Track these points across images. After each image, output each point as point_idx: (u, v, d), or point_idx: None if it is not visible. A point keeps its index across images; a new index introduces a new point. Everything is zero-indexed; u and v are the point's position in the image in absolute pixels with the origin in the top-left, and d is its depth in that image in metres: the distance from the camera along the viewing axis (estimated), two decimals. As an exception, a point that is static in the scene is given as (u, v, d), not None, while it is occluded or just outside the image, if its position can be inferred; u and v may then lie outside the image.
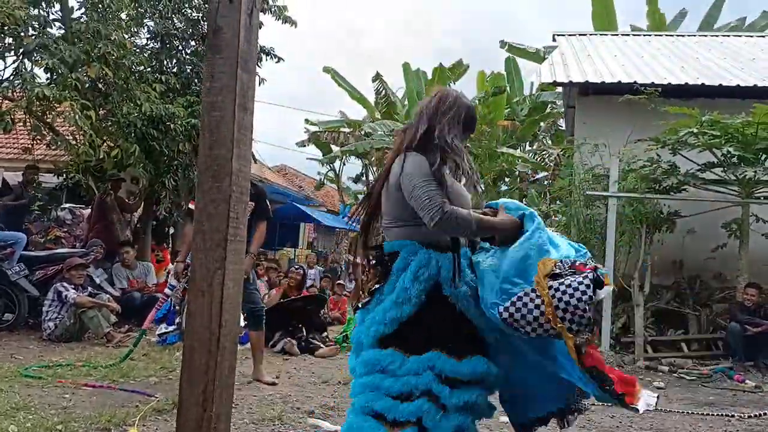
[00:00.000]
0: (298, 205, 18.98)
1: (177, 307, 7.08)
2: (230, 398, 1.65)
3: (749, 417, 4.85)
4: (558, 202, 10.51)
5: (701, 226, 8.39)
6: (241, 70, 1.61)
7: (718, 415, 4.88)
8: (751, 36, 13.97)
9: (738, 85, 9.03)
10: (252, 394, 4.78)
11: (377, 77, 19.93)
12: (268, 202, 5.36)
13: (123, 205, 9.41)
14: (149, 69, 8.65)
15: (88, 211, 9.21)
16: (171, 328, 6.96)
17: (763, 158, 7.67)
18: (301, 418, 4.13)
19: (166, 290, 6.45)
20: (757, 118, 7.28)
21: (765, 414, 4.88)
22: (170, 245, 10.84)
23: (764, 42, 12.93)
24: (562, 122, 15.15)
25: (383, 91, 19.87)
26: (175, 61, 9.04)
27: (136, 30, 8.59)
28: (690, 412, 4.96)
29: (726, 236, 8.17)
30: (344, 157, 21.46)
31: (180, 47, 9.08)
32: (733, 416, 4.87)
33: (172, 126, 7.84)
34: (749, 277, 7.88)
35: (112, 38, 7.20)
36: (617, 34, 14.09)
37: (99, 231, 8.58)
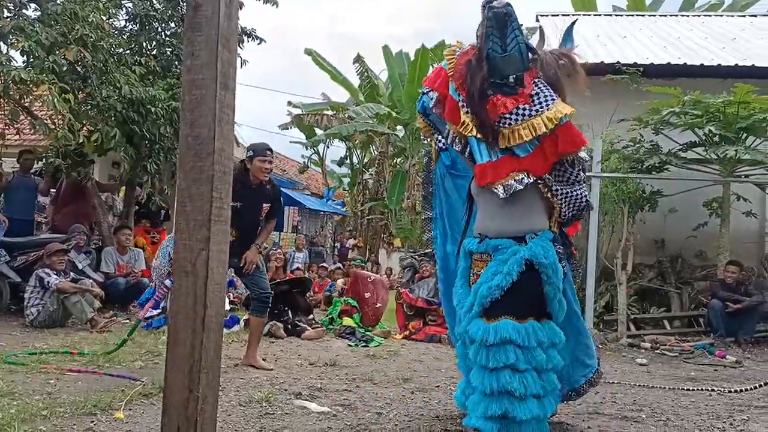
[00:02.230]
0: (282, 189, 18.88)
1: (160, 290, 7.03)
2: (217, 379, 1.64)
3: (729, 392, 4.94)
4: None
5: (683, 205, 8.48)
6: (222, 48, 1.58)
7: (699, 389, 4.95)
8: (732, 15, 14.05)
9: (719, 65, 9.09)
10: (239, 376, 4.78)
11: (358, 59, 19.79)
12: (282, 201, 5.58)
13: (102, 186, 9.31)
14: (128, 51, 8.50)
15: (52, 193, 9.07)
16: (156, 312, 6.92)
17: (743, 137, 7.74)
18: (288, 399, 4.14)
19: (167, 282, 6.49)
20: (738, 97, 7.34)
21: (746, 389, 4.96)
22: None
23: (744, 21, 12.99)
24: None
25: (366, 74, 19.74)
26: (154, 43, 8.88)
27: (114, 11, 8.41)
28: (672, 387, 5.03)
29: (707, 215, 8.28)
30: (328, 140, 21.36)
31: (160, 29, 8.92)
32: (713, 390, 4.95)
33: (153, 109, 7.72)
34: (730, 255, 8.00)
35: (90, 20, 7.05)
36: (599, 15, 14.10)
37: (68, 214, 8.48)
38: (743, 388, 4.99)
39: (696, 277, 8.69)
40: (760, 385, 4.96)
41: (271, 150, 5.20)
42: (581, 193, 3.15)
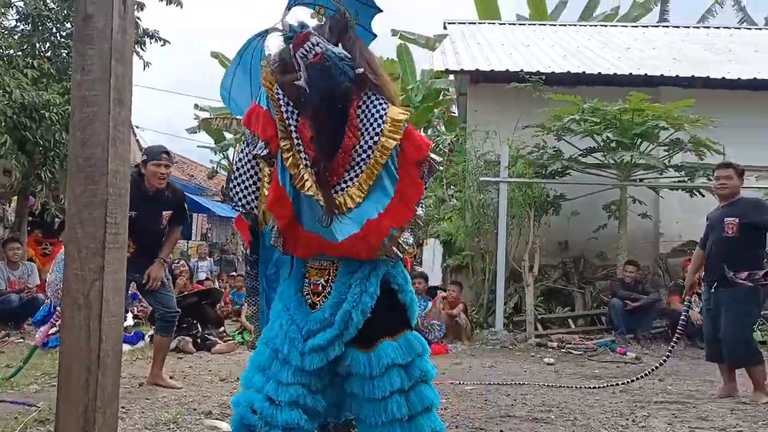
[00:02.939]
0: (190, 196, 18.26)
1: (58, 308, 6.65)
2: (115, 417, 1.52)
3: (625, 383, 5.19)
4: (453, 187, 10.73)
5: (584, 208, 8.85)
6: (116, 62, 1.47)
7: (603, 387, 5.16)
8: (626, 26, 14.84)
9: (615, 74, 9.56)
10: (144, 396, 4.55)
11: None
12: (186, 207, 5.14)
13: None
14: (20, 53, 8.00)
15: None
16: (53, 330, 6.51)
17: (638, 143, 8.18)
18: (198, 419, 3.97)
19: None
20: (633, 105, 7.75)
21: (640, 377, 5.22)
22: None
23: (637, 32, 13.76)
24: (455, 109, 15.46)
25: (275, 77, 19.46)
26: (48, 44, 8.40)
27: (3, 11, 7.90)
28: (578, 386, 5.21)
29: (606, 217, 8.68)
30: (238, 144, 20.89)
31: (54, 30, 8.45)
32: (616, 385, 5.18)
33: (47, 114, 7.29)
34: (627, 255, 8.42)
35: (-25, 19, 6.59)
36: (504, 23, 14.53)
37: None
38: (639, 376, 5.25)
39: (597, 276, 9.10)
40: (647, 373, 5.24)
41: (168, 153, 4.83)
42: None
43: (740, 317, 4.72)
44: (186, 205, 5.17)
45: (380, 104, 2.42)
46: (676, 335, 5.30)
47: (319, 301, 2.57)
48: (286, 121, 2.39)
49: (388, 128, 2.39)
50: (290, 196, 2.40)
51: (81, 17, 1.47)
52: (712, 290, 4.91)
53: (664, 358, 5.31)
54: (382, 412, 2.45)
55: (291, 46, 2.29)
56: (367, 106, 2.43)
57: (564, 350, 7.24)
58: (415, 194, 2.49)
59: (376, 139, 2.38)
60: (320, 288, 2.57)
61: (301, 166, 2.34)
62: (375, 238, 2.42)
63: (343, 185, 2.41)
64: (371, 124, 2.40)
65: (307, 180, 2.32)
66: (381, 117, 2.40)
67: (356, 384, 2.51)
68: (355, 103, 2.43)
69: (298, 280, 2.63)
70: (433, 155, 2.50)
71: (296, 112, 2.39)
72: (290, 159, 2.35)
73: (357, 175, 2.41)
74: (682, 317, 5.30)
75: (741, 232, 4.79)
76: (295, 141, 2.34)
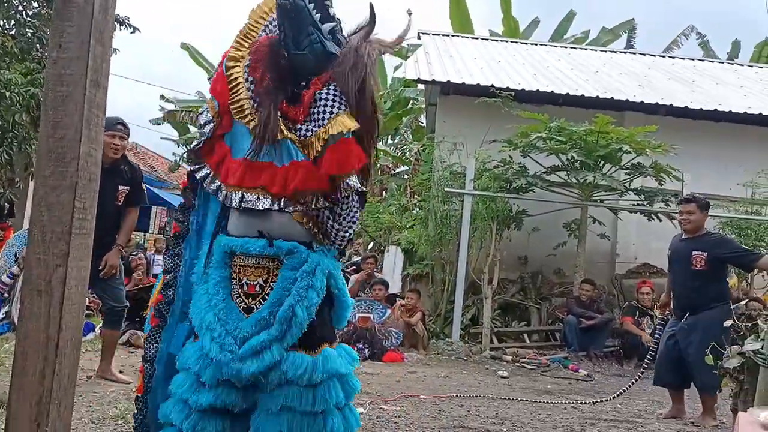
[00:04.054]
0: (149, 187, 17.90)
1: (6, 295, 6.43)
2: (69, 410, 1.46)
3: (582, 404, 5.25)
4: (417, 196, 10.77)
5: (545, 225, 8.96)
6: (95, 42, 1.42)
7: (555, 403, 5.23)
8: (595, 50, 15.16)
9: (583, 95, 9.74)
10: (92, 390, 4.42)
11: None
12: (144, 186, 4.95)
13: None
14: (-19, 29, 7.75)
15: None
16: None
17: (601, 164, 8.33)
18: (146, 416, 3.87)
19: (4, 278, 5.89)
20: (598, 126, 7.90)
21: (598, 401, 5.31)
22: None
23: (605, 56, 14.07)
24: (422, 118, 15.54)
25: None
26: (13, 22, 8.14)
27: (-35, -17, 7.65)
28: (531, 400, 5.27)
29: (566, 235, 8.81)
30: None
31: (20, 7, 8.20)
32: (572, 404, 5.24)
33: (7, 94, 7.05)
34: (585, 274, 8.56)
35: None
36: (477, 38, 14.69)
37: None
38: (596, 400, 5.33)
39: (554, 293, 9.22)
40: (612, 398, 5.33)
41: (123, 125, 4.58)
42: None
43: (711, 342, 4.74)
44: (144, 186, 4.96)
45: (339, 104, 2.32)
46: (650, 353, 5.41)
47: (254, 304, 2.31)
48: (257, 30, 2.46)
49: (326, 127, 2.30)
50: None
51: (62, -8, 1.42)
52: (683, 319, 4.94)
53: (638, 375, 5.46)
54: (321, 428, 2.24)
55: None
56: (326, 100, 2.33)
57: (518, 364, 7.30)
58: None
59: (315, 130, 2.30)
60: (257, 289, 2.33)
61: (240, 86, 2.37)
62: (296, 175, 2.29)
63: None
64: (320, 115, 2.31)
65: (242, 100, 2.35)
66: (331, 114, 2.30)
67: (292, 395, 2.23)
68: (314, 88, 2.34)
69: (224, 283, 2.37)
70: (351, 180, 2.33)
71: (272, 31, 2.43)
72: (232, 70, 2.40)
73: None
74: (657, 335, 5.42)
75: (709, 265, 4.88)
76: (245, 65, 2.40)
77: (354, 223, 2.45)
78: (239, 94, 2.36)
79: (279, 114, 2.31)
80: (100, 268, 4.49)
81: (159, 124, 21.23)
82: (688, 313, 4.92)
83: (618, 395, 5.36)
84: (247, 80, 2.37)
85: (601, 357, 7.85)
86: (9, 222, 9.18)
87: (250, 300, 2.32)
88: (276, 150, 2.30)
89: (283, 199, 2.29)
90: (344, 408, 2.34)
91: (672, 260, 5.20)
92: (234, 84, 2.38)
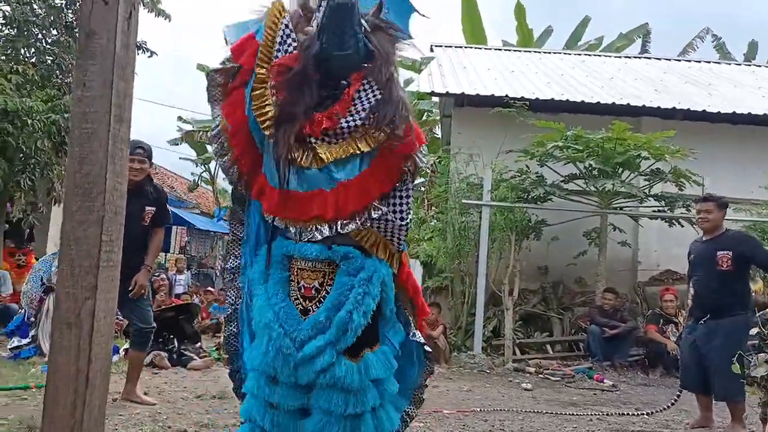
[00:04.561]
0: (169, 207, 18.09)
1: (32, 319, 6.52)
2: (100, 441, 1.49)
3: (607, 415, 5.20)
4: (434, 208, 10.77)
5: (564, 234, 8.91)
6: (118, 78, 1.46)
7: (581, 415, 5.17)
8: (609, 56, 15.10)
9: (598, 102, 9.69)
10: (118, 413, 4.46)
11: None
12: (168, 207, 5.02)
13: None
14: (3, 58, 7.91)
15: None
16: (25, 341, 6.40)
17: (620, 171, 8.28)
18: (172, 438, 3.91)
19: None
20: (615, 133, 7.86)
21: (625, 414, 5.25)
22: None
23: (620, 62, 14.00)
24: (437, 130, 15.56)
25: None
26: (33, 50, 8.32)
27: (-14, 15, 7.84)
28: (557, 412, 5.22)
29: (587, 244, 8.75)
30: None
31: (40, 36, 8.38)
32: (598, 416, 5.19)
33: (29, 121, 7.19)
34: (606, 283, 8.48)
35: (-42, 23, 6.52)
36: (490, 49, 14.72)
37: None
38: (622, 412, 5.27)
39: (576, 303, 9.14)
40: (646, 413, 5.26)
41: (143, 149, 4.61)
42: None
43: (733, 349, 4.47)
44: (168, 208, 5.03)
45: (380, 93, 2.40)
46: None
47: (311, 306, 2.41)
48: (273, 49, 2.41)
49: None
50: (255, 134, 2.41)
51: (84, 33, 1.46)
52: (701, 322, 4.85)
53: (673, 399, 5.36)
54: (355, 429, 2.32)
55: None
56: (366, 93, 2.40)
57: (542, 376, 7.24)
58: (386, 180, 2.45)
59: (359, 123, 2.36)
60: (313, 292, 2.42)
61: (267, 101, 2.36)
62: (346, 201, 2.36)
63: (313, 142, 2.37)
64: (363, 107, 2.38)
65: (268, 113, 2.34)
66: (377, 102, 2.38)
67: (335, 398, 2.32)
68: (356, 85, 2.41)
69: (283, 284, 2.46)
70: (419, 155, 2.49)
71: (289, 46, 2.40)
72: (259, 90, 2.37)
73: (330, 143, 2.38)
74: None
75: (735, 265, 4.78)
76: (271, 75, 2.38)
77: (410, 210, 2.53)
78: (267, 116, 2.37)
79: (308, 139, 2.35)
80: (130, 288, 4.50)
81: (177, 144, 21.47)
82: (708, 316, 4.81)
83: (650, 413, 5.28)
84: (273, 104, 2.38)
85: (626, 366, 7.76)
86: (30, 246, 9.31)
87: (306, 302, 2.42)
88: (321, 174, 2.35)
89: (340, 222, 2.38)
90: (378, 409, 2.41)
91: (694, 264, 5.08)
92: (261, 109, 2.39)
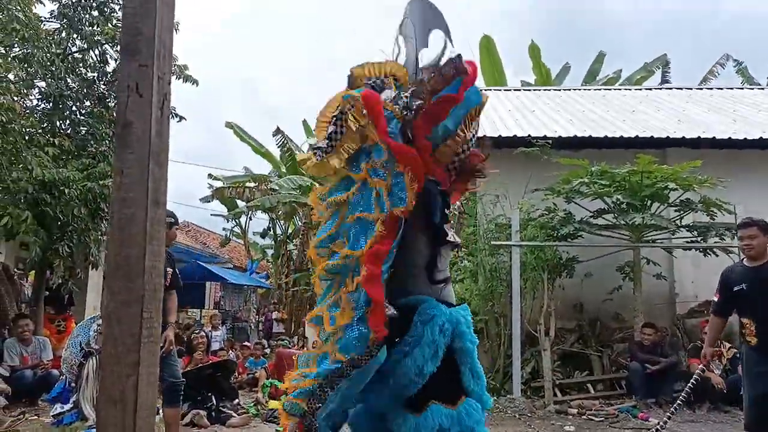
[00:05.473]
0: (203, 264, 18.39)
1: (73, 385, 6.63)
2: None
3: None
4: (464, 249, 10.75)
5: (597, 270, 8.81)
6: (153, 164, 1.56)
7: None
8: (629, 89, 15.13)
9: (621, 136, 9.69)
10: (161, 475, 4.50)
11: (278, 132, 19.93)
12: (176, 269, 5.17)
13: (8, 273, 8.79)
14: (40, 131, 8.24)
15: None
16: (67, 407, 6.48)
17: (649, 204, 8.22)
18: (216, 499, 3.92)
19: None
20: (641, 167, 7.84)
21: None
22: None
23: (641, 94, 14.02)
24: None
25: (287, 145, 19.88)
26: (68, 122, 8.66)
27: (26, 92, 8.19)
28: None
29: (621, 278, 8.64)
30: (250, 212, 21.14)
31: (74, 108, 8.73)
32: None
33: (66, 191, 7.46)
34: (644, 317, 8.33)
35: (0, 102, 6.83)
36: (510, 89, 14.86)
37: None
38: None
39: (614, 339, 8.98)
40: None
41: (168, 215, 4.89)
42: None
43: None
44: (176, 268, 5.16)
45: None
46: (681, 398, 5.20)
47: None
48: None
49: None
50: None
51: (121, 124, 1.57)
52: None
53: (665, 419, 5.34)
54: None
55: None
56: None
57: (584, 417, 7.09)
58: None
59: None
60: None
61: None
62: None
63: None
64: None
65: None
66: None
67: None
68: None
69: None
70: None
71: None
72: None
73: None
74: (691, 382, 5.20)
75: None
76: None
77: None
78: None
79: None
80: (160, 345, 4.63)
81: (208, 201, 21.90)
82: None
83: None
84: None
85: (671, 403, 7.54)
86: (69, 311, 9.51)
87: None
88: None
89: None
90: None
91: (745, 295, 4.53)
92: None
